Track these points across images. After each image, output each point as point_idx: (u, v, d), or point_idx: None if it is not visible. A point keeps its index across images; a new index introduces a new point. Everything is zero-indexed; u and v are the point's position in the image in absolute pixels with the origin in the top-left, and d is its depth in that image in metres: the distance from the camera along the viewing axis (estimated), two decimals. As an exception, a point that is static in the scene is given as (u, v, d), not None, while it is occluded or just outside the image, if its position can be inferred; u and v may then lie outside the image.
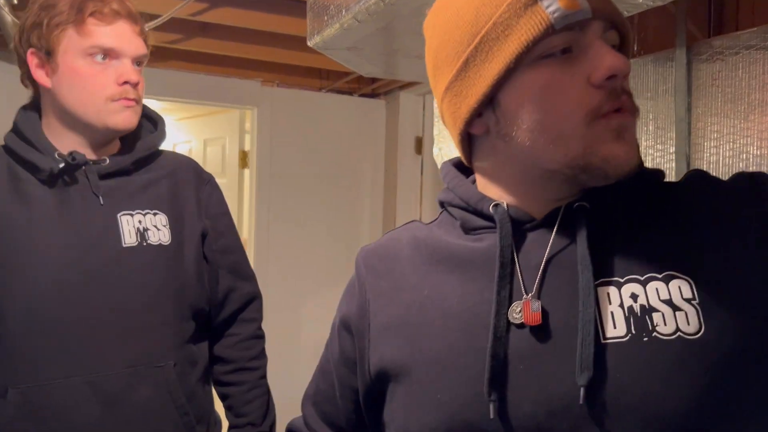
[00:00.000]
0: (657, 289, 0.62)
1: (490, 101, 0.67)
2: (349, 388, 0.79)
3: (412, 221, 0.83)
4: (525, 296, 0.65)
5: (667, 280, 0.62)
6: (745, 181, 0.68)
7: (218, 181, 1.48)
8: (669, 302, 0.61)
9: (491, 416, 0.62)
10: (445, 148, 2.21)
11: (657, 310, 0.61)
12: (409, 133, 3.24)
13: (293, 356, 3.08)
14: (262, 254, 3.10)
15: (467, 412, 0.64)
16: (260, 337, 1.40)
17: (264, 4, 2.22)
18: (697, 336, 0.59)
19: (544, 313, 0.64)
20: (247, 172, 3.29)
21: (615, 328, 0.61)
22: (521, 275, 0.67)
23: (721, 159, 1.31)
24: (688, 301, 0.61)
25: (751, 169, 1.24)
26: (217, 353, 1.35)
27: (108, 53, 1.15)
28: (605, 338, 0.61)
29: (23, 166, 1.16)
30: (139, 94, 1.20)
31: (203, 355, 1.31)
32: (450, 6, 0.69)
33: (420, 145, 3.24)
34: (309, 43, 1.45)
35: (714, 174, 0.72)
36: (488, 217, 0.70)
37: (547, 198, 0.68)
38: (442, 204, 0.78)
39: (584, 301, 0.62)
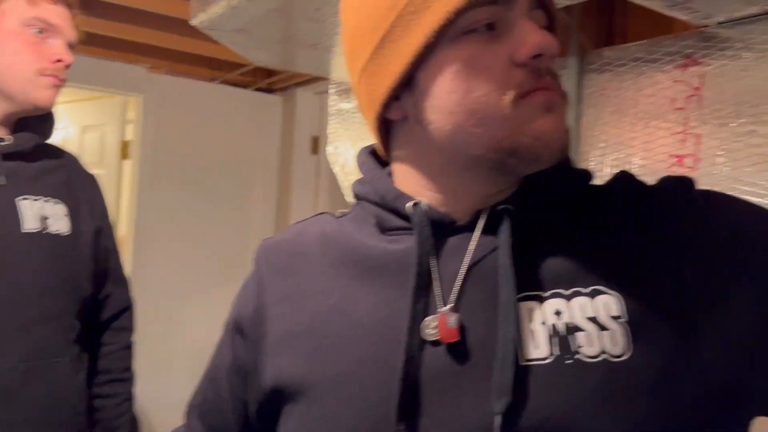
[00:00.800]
0: (581, 306, 0.56)
1: (408, 82, 0.60)
2: (241, 400, 0.69)
3: (323, 213, 0.75)
4: (440, 309, 0.58)
5: (593, 295, 0.57)
6: (681, 190, 0.63)
7: (96, 171, 1.41)
8: (594, 320, 0.56)
9: None
10: (341, 146, 2.15)
11: (581, 329, 0.55)
12: (305, 132, 3.15)
13: (175, 360, 2.91)
14: (141, 252, 2.90)
15: None
16: (131, 347, 1.38)
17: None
18: (622, 358, 0.54)
19: (462, 328, 0.57)
20: (127, 163, 3.07)
21: (536, 348, 0.56)
22: (440, 285, 0.60)
23: (604, 168, 1.33)
24: (615, 319, 0.55)
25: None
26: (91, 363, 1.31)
27: (47, 29, 1.15)
28: (526, 360, 0.55)
29: None
30: (65, 78, 1.19)
31: (85, 356, 1.28)
32: None
33: (317, 145, 3.16)
34: (192, 22, 1.34)
35: (600, 182, 0.68)
36: (406, 217, 0.63)
37: (472, 196, 0.62)
38: (357, 196, 0.70)
39: (504, 318, 0.56)
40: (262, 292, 0.68)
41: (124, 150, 3.11)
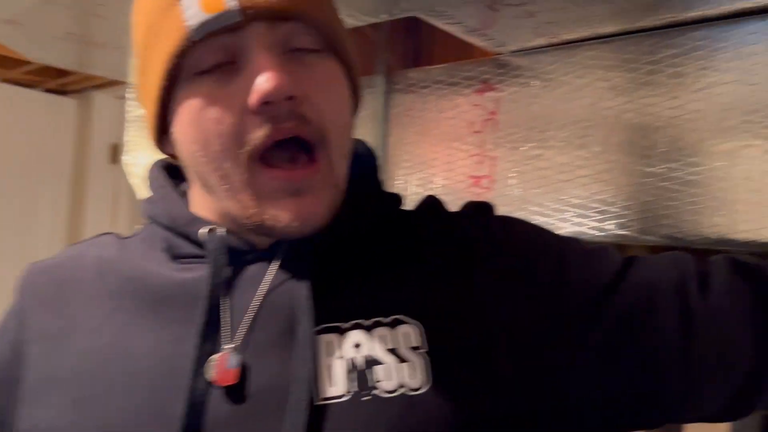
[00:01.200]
0: (382, 337, 0.54)
1: (165, 119, 0.55)
2: None
3: (105, 234, 0.66)
4: (223, 347, 0.53)
5: (393, 325, 0.54)
6: (480, 218, 0.63)
7: None
8: (394, 352, 0.53)
9: None
10: (140, 156, 1.98)
11: (381, 362, 0.53)
12: (103, 139, 2.90)
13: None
14: None
15: None
16: None
17: None
18: (420, 392, 0.52)
19: (245, 369, 0.52)
20: None
21: (333, 385, 0.52)
22: (230, 320, 0.54)
23: (410, 187, 1.34)
24: (414, 350, 0.53)
25: (437, 198, 1.30)
26: None
27: None
28: (322, 399, 0.51)
29: None
30: None
31: None
32: None
33: (116, 154, 2.91)
34: (-52, 7, 1.14)
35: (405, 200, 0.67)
36: (201, 244, 0.56)
37: None
38: (146, 217, 0.63)
39: (301, 354, 0.51)
40: (22, 328, 0.59)
41: None
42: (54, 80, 2.80)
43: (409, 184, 1.35)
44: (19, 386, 0.56)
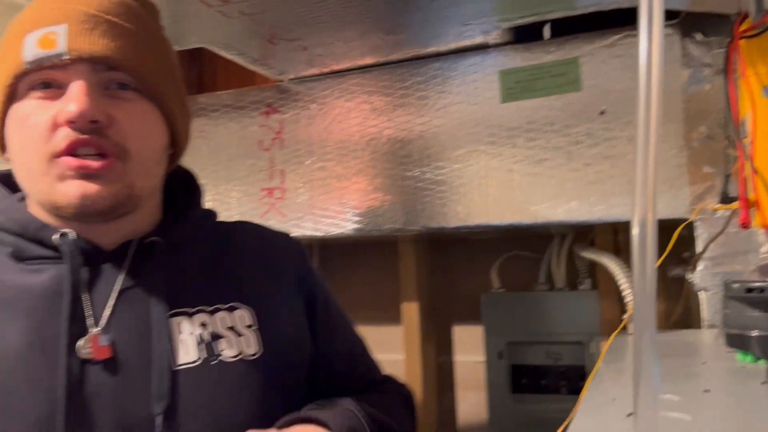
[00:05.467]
0: (222, 319, 0.70)
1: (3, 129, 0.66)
2: None
3: None
4: (92, 330, 0.63)
5: (231, 310, 0.71)
6: (293, 252, 0.83)
7: None
8: (233, 329, 0.70)
9: None
10: None
11: (223, 336, 0.69)
12: None
13: None
14: None
15: None
16: None
17: None
18: (255, 356, 0.70)
19: (115, 346, 0.64)
20: None
21: (187, 354, 0.66)
22: (92, 309, 0.65)
23: (209, 202, 1.46)
24: (248, 327, 0.71)
25: (234, 210, 1.43)
26: None
27: None
28: (178, 365, 0.65)
29: None
30: None
31: None
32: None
33: None
34: None
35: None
36: (51, 246, 0.65)
37: (114, 231, 0.68)
38: None
39: (158, 332, 0.65)
40: None
41: None
42: None
43: (207, 199, 1.46)
44: None
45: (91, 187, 0.63)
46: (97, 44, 0.63)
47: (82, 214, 0.63)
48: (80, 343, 0.62)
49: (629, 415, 0.55)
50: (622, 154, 1.15)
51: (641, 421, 0.33)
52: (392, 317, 1.73)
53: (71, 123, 0.61)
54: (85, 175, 0.62)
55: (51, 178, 0.62)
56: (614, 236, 1.45)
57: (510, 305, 1.54)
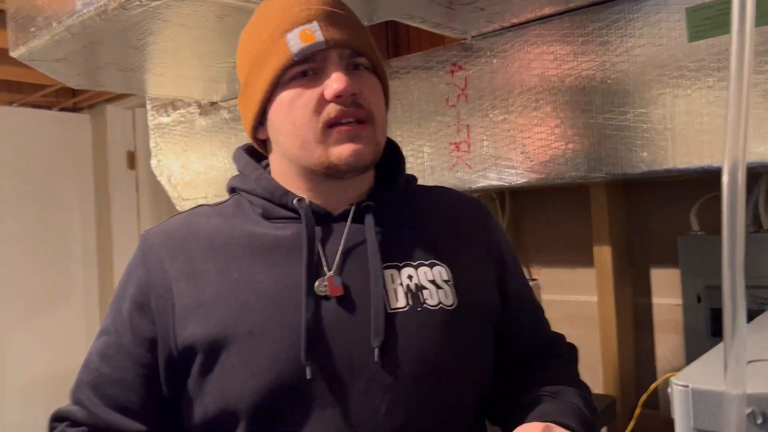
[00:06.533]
0: (425, 272, 0.82)
1: (264, 113, 0.82)
2: (145, 367, 0.80)
3: (200, 206, 0.89)
4: (328, 273, 0.79)
5: (431, 266, 0.83)
6: (484, 218, 0.94)
7: None
8: (434, 282, 0.82)
9: (308, 377, 0.74)
10: (164, 160, 2.24)
11: (426, 288, 0.81)
12: (119, 147, 3.14)
13: (8, 393, 2.78)
14: (-49, 291, 2.72)
15: (286, 375, 0.74)
16: None
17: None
18: (452, 307, 0.81)
19: (345, 287, 0.78)
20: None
21: (398, 301, 0.79)
22: (324, 259, 0.80)
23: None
24: (446, 282, 0.83)
25: (426, 164, 1.56)
26: None
27: None
28: (391, 309, 0.79)
29: None
30: None
31: None
32: (247, 28, 0.84)
33: (133, 160, 3.15)
34: (12, 54, 1.39)
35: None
36: (291, 209, 0.82)
37: (336, 194, 0.83)
38: (233, 190, 0.88)
39: (375, 280, 0.78)
40: (165, 272, 0.81)
41: None
42: (68, 99, 3.04)
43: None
44: (173, 311, 0.79)
45: (358, 147, 0.78)
46: (342, 34, 0.78)
47: (353, 169, 0.79)
48: (317, 283, 0.78)
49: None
50: (830, 86, 1.05)
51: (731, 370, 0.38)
52: (585, 260, 1.75)
53: (338, 98, 0.77)
54: (353, 137, 0.78)
55: (326, 144, 0.78)
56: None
57: (709, 248, 1.48)
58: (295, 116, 0.79)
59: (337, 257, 0.80)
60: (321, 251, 0.81)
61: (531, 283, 1.82)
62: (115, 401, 0.81)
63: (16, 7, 1.36)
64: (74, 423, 0.82)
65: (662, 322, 1.68)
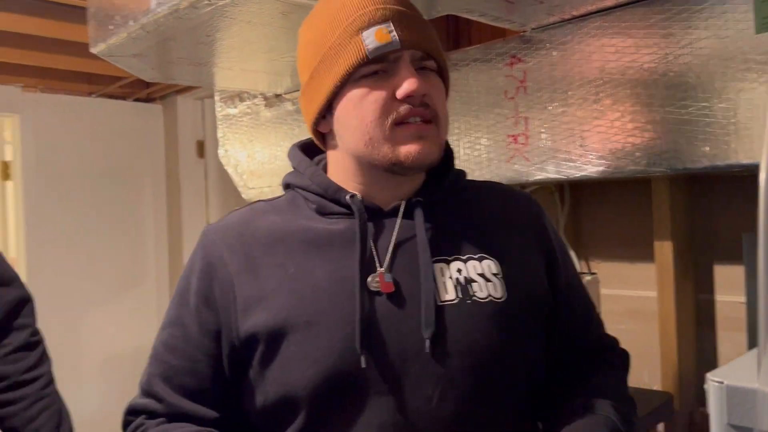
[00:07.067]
0: (474, 266, 0.84)
1: (329, 107, 0.84)
2: (213, 357, 0.84)
3: (258, 201, 0.93)
4: (379, 269, 0.81)
5: (480, 260, 0.84)
6: (534, 212, 0.94)
7: None
8: (483, 276, 0.83)
9: (363, 366, 0.77)
10: (231, 150, 2.32)
11: (475, 281, 0.83)
12: (189, 137, 3.26)
13: (78, 377, 2.95)
14: (35, 273, 2.90)
15: (342, 364, 0.77)
16: (33, 344, 1.28)
17: (21, 5, 2.12)
18: (501, 299, 0.83)
19: (396, 282, 0.81)
20: (10, 184, 3.04)
21: (447, 294, 0.81)
22: (376, 254, 0.82)
23: (461, 150, 1.62)
24: (495, 275, 0.84)
25: (483, 156, 1.57)
26: None
27: None
28: (441, 302, 0.81)
29: None
30: None
31: None
32: (312, 21, 0.86)
33: (202, 149, 3.28)
34: (92, 50, 1.48)
35: (456, 161, 0.96)
36: (344, 205, 0.85)
37: (388, 190, 0.85)
38: (288, 185, 0.91)
39: (425, 275, 0.81)
40: (225, 265, 0.85)
41: (5, 171, 3.08)
42: (142, 90, 3.18)
43: (461, 147, 1.63)
44: (234, 304, 0.81)
45: (425, 146, 0.80)
46: (414, 35, 0.80)
47: (419, 166, 0.81)
48: (369, 279, 0.81)
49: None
50: None
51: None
52: (646, 254, 1.73)
53: (408, 97, 0.79)
54: (421, 136, 0.80)
55: (394, 142, 0.80)
56: None
57: (777, 245, 1.44)
58: (363, 113, 0.81)
59: (389, 252, 0.83)
60: (373, 246, 0.83)
61: (589, 277, 1.82)
62: (189, 391, 0.84)
63: (96, 6, 1.45)
64: (151, 415, 0.85)
65: (725, 320, 1.64)
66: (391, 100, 0.79)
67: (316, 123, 0.87)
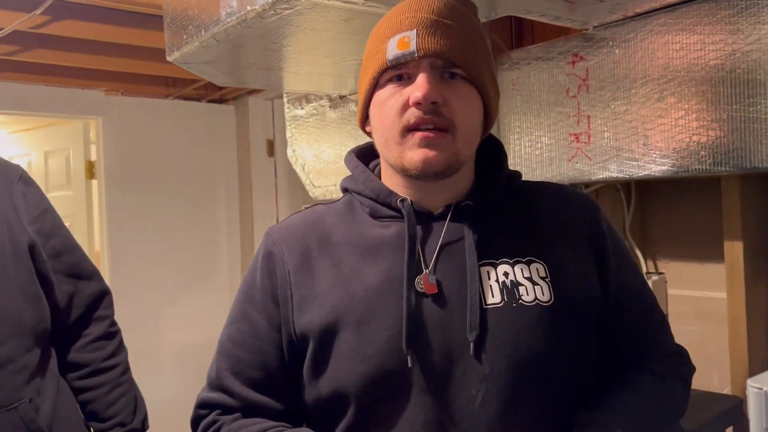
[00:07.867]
0: (521, 269, 0.84)
1: (368, 110, 0.89)
2: (280, 350, 0.88)
3: (317, 204, 0.98)
4: (425, 271, 0.84)
5: (528, 263, 0.85)
6: (589, 213, 0.93)
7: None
8: (530, 279, 0.84)
9: (409, 365, 0.80)
10: (299, 149, 2.40)
11: (522, 284, 0.84)
12: (260, 136, 3.37)
13: (155, 365, 3.11)
14: (117, 266, 3.08)
15: (389, 363, 0.80)
16: (112, 334, 1.34)
17: (104, 15, 2.26)
18: (548, 303, 0.83)
19: (439, 284, 0.83)
20: (94, 183, 3.24)
21: (493, 297, 0.82)
22: (423, 256, 0.85)
23: (522, 148, 1.62)
24: (542, 278, 0.85)
25: (545, 155, 1.57)
26: (69, 359, 1.29)
27: None
28: (486, 305, 0.82)
29: None
30: None
31: (55, 379, 1.26)
32: (372, 30, 0.90)
33: (272, 148, 3.39)
34: (168, 58, 1.58)
35: (514, 159, 0.97)
36: (395, 209, 0.88)
37: (436, 195, 0.87)
38: (346, 189, 0.95)
39: (471, 277, 0.82)
40: (285, 264, 0.89)
41: (90, 170, 3.28)
42: (216, 92, 3.32)
43: (522, 145, 1.63)
44: (292, 300, 0.85)
45: (430, 154, 0.82)
46: (437, 44, 0.82)
47: (423, 174, 0.83)
48: (417, 280, 0.83)
49: None
50: None
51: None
52: (715, 255, 1.68)
53: (418, 104, 0.81)
54: (429, 144, 0.82)
55: (403, 147, 0.83)
56: None
57: None
58: (384, 116, 0.85)
59: (434, 255, 0.85)
60: (420, 249, 0.86)
61: (656, 277, 1.79)
62: (258, 384, 0.88)
63: (171, 17, 1.53)
64: (224, 409, 0.88)
65: (801, 324, 1.58)
66: (406, 106, 0.82)
67: (363, 123, 0.91)
